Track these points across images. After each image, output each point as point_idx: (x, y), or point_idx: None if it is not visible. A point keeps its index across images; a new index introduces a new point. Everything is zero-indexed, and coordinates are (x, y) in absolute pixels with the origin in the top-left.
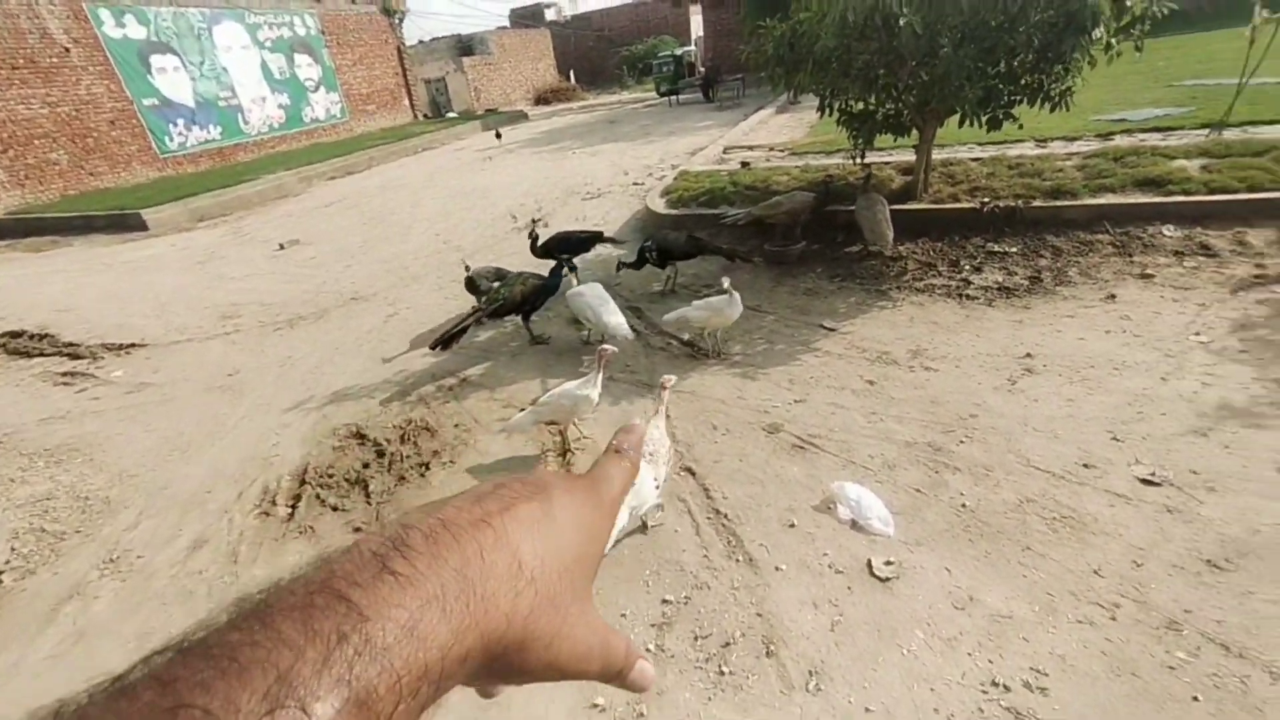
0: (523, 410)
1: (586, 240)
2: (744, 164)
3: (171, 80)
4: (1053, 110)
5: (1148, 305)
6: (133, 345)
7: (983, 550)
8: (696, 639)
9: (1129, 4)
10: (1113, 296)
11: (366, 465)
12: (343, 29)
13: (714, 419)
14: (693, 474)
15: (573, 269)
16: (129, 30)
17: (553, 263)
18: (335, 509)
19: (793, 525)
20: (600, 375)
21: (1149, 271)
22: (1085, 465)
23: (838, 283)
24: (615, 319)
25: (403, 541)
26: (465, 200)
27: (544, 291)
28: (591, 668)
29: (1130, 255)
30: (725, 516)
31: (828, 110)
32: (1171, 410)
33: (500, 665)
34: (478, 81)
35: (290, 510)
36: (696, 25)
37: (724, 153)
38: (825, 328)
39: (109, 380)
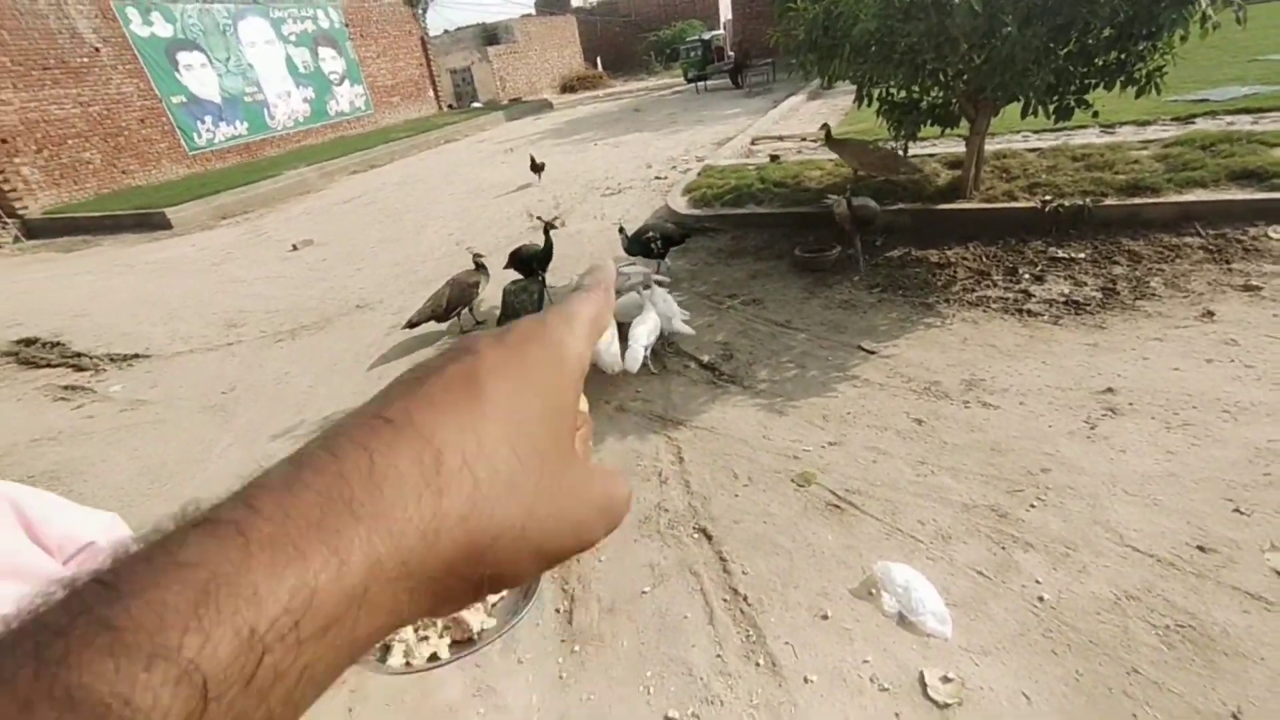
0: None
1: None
2: (773, 157)
3: (198, 77)
4: (1139, 94)
5: (1258, 326)
6: (136, 356)
7: (1072, 669)
8: None
9: None
10: (1210, 314)
11: None
12: (366, 20)
13: (735, 464)
14: (708, 538)
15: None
16: (156, 28)
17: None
18: None
19: (826, 617)
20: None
21: (1254, 283)
22: (1201, 548)
23: (878, 294)
24: (601, 347)
25: (239, 498)
26: (482, 197)
27: (541, 300)
28: (594, 536)
29: (1228, 262)
30: (745, 600)
31: (866, 100)
32: None
33: (458, 584)
34: (503, 70)
35: None
36: (725, 8)
37: (752, 144)
38: (864, 350)
39: (107, 396)
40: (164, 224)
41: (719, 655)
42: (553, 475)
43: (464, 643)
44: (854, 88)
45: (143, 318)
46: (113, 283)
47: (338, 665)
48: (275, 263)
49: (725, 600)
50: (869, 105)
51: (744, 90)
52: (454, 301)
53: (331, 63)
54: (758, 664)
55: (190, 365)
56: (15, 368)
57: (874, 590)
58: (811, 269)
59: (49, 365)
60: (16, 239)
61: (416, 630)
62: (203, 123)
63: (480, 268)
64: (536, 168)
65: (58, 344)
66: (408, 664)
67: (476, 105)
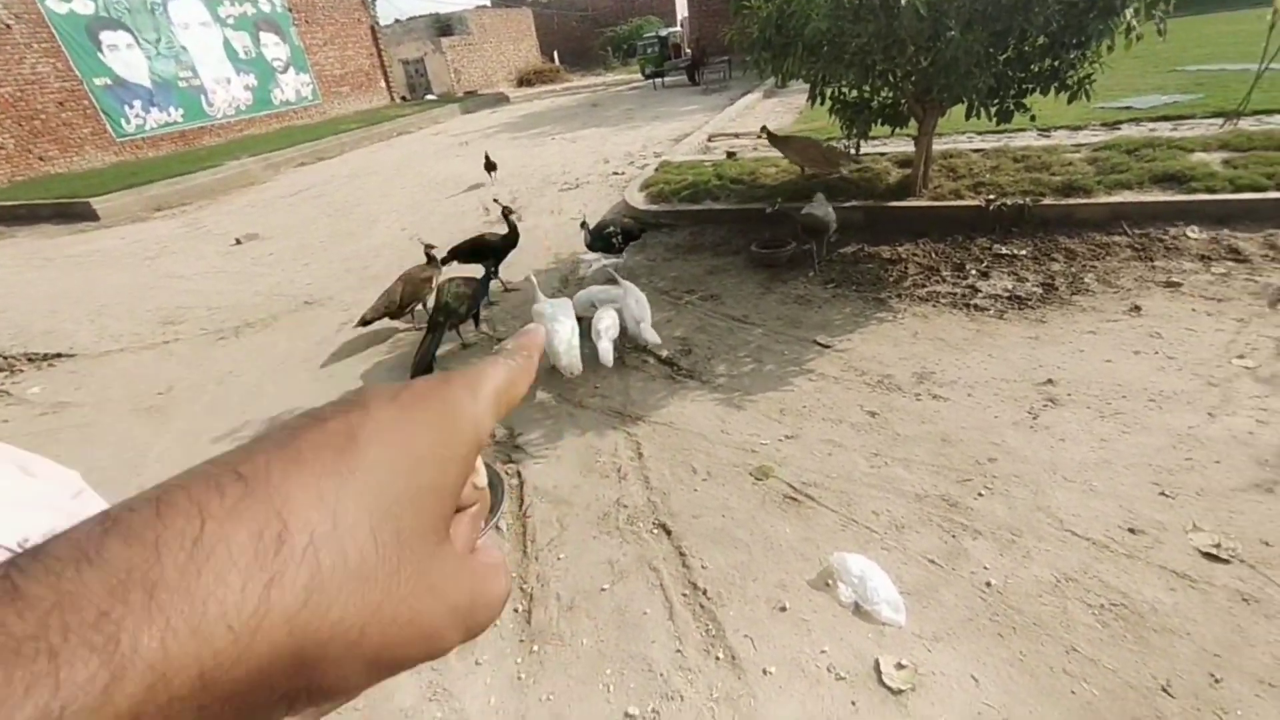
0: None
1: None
2: (730, 154)
3: (124, 58)
4: (1071, 100)
5: (1179, 320)
6: (58, 355)
7: (1017, 651)
8: None
9: None
10: (1137, 308)
11: None
12: (311, 6)
13: (694, 459)
14: (667, 533)
15: (494, 275)
16: (75, 4)
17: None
18: None
19: (784, 609)
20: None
21: (1175, 279)
22: (1132, 530)
23: (832, 289)
24: (562, 347)
25: (9, 573)
26: (437, 190)
27: (481, 293)
28: (446, 646)
29: (1152, 260)
30: (704, 594)
31: (818, 99)
32: (1226, 457)
33: (263, 699)
34: (457, 63)
35: None
36: (682, 6)
37: (709, 140)
38: (819, 344)
39: (24, 398)
40: (89, 215)
41: (679, 650)
42: (413, 568)
43: None
44: (808, 86)
45: (65, 314)
46: (29, 276)
47: None
48: (216, 257)
49: (685, 595)
50: (822, 104)
51: (701, 87)
52: (407, 298)
53: (275, 49)
54: (717, 658)
55: (121, 365)
56: None
57: (830, 581)
58: (768, 265)
59: None
60: None
61: None
62: (131, 107)
63: (433, 261)
64: (490, 166)
65: None
66: None
67: (431, 97)
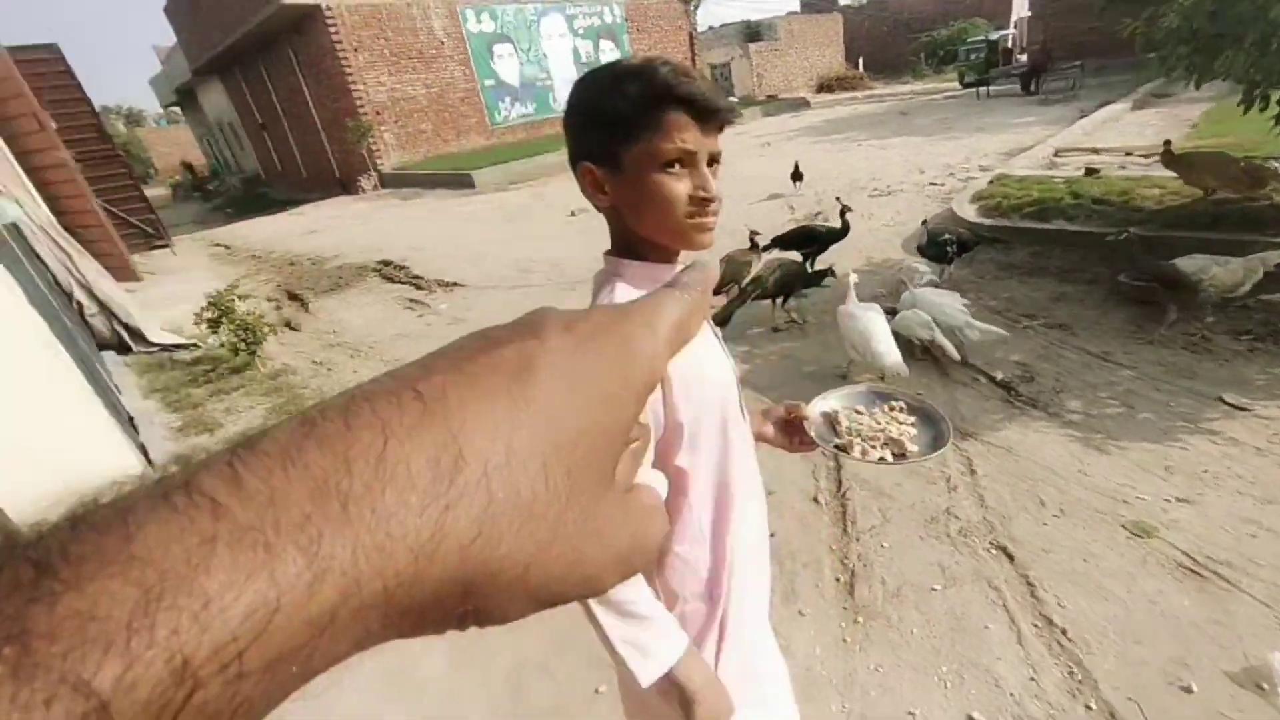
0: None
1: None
2: (1090, 171)
3: (506, 65)
4: None
5: None
6: (455, 284)
7: None
8: None
9: None
10: None
11: None
12: (644, 16)
13: (1041, 491)
14: (1009, 557)
15: (830, 273)
16: (483, 25)
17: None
18: None
19: (1189, 690)
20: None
21: None
22: None
23: (1247, 341)
24: (885, 348)
25: (230, 463)
26: (743, 185)
27: (799, 279)
28: (603, 586)
29: None
30: (1064, 634)
31: (1258, 102)
32: None
33: (436, 616)
34: (761, 67)
35: None
36: (1021, 4)
37: (1055, 155)
38: (1227, 403)
39: (437, 311)
40: (469, 184)
41: (1033, 679)
42: (580, 509)
43: (899, 456)
44: (1197, 95)
45: (456, 257)
46: (434, 227)
47: (280, 697)
48: (557, 224)
49: (1036, 626)
50: (1263, 109)
51: (1039, 97)
52: (727, 277)
53: (609, 54)
54: (1088, 707)
55: (497, 297)
56: (379, 280)
57: (1266, 685)
58: (1141, 301)
59: (400, 282)
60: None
61: (865, 439)
62: (503, 103)
63: (755, 246)
64: (797, 176)
65: (404, 267)
66: (863, 453)
67: (732, 99)
